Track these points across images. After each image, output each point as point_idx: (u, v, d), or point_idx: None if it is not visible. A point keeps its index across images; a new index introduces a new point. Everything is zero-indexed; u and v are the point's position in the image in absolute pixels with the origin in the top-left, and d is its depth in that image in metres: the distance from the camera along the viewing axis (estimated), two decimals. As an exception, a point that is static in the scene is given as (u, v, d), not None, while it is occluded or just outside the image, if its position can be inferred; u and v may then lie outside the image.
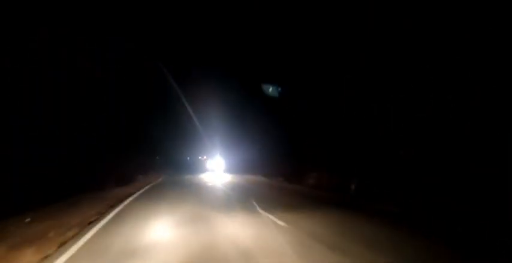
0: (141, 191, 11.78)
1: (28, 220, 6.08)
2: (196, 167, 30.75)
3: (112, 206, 7.90)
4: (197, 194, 10.75)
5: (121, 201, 9.06)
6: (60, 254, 3.89)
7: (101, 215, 6.62)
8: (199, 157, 47.90)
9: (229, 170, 25.19)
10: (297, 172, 16.90)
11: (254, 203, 8.02)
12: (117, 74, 19.90)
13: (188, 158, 53.66)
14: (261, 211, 6.83)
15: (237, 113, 23.95)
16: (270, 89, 23.55)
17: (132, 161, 20.66)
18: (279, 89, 23.29)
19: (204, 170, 25.96)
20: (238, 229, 5.30)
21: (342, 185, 12.98)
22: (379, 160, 11.35)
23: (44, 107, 13.39)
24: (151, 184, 14.98)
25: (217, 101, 25.03)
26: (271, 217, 6.19)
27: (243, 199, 9.04)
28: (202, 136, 28.59)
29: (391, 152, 10.85)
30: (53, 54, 13.72)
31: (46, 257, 3.80)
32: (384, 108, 11.38)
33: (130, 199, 9.62)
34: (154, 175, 21.77)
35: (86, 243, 4.43)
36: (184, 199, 9.40)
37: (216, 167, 25.91)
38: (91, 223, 5.75)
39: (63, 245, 4.31)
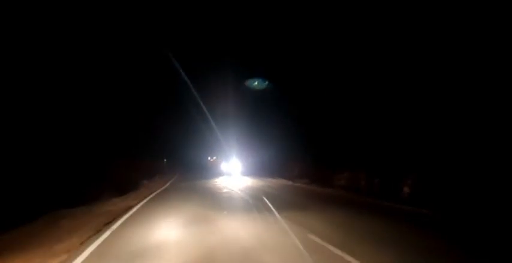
0: (143, 203, 9.49)
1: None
2: (208, 170, 28.06)
3: (98, 232, 5.58)
4: (212, 207, 8.35)
5: (114, 220, 6.78)
6: None
7: (71, 253, 4.29)
8: (209, 158, 45.51)
9: (245, 172, 22.54)
10: (322, 172, 14.56)
11: (298, 227, 5.61)
12: (125, 71, 17.97)
13: (199, 159, 51.49)
14: (326, 247, 4.42)
15: (253, 111, 21.67)
16: (256, 83, 22.19)
17: (136, 164, 18.57)
18: (266, 82, 22.38)
19: (217, 174, 23.08)
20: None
21: (388, 187, 10.62)
22: (440, 155, 8.96)
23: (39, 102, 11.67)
24: (157, 192, 12.69)
25: (232, 99, 22.87)
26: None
27: (279, 219, 6.62)
28: (216, 136, 26.13)
29: (460, 146, 8.38)
30: (55, 50, 12.18)
31: None
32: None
33: (127, 216, 7.31)
34: (161, 180, 19.56)
35: None
36: (197, 214, 7.02)
37: (233, 170, 23.05)
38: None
39: None
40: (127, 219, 6.84)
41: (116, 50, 16.85)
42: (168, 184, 16.51)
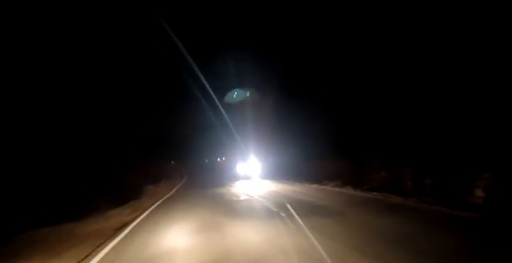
0: (142, 217, 7.56)
1: None
2: (220, 173, 25.46)
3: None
4: (233, 225, 6.31)
5: (98, 248, 4.83)
6: None
7: None
8: (218, 159, 43.54)
9: (266, 175, 20.16)
10: (354, 172, 12.55)
11: None
12: (132, 68, 16.34)
13: (206, 160, 49.67)
14: None
15: (272, 106, 19.72)
16: (235, 95, 21.20)
17: (141, 166, 16.79)
18: (247, 92, 22.06)
19: (232, 178, 20.30)
20: None
21: (448, 190, 8.65)
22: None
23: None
24: (162, 200, 10.79)
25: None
26: None
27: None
28: (231, 134, 23.93)
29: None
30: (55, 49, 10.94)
31: None
32: None
33: (118, 239, 5.35)
34: (167, 184, 17.69)
35: None
36: (213, 238, 4.96)
37: (251, 173, 20.32)
38: None
39: None
40: (114, 247, 4.82)
41: (128, 50, 15.41)
42: (174, 191, 14.56)
